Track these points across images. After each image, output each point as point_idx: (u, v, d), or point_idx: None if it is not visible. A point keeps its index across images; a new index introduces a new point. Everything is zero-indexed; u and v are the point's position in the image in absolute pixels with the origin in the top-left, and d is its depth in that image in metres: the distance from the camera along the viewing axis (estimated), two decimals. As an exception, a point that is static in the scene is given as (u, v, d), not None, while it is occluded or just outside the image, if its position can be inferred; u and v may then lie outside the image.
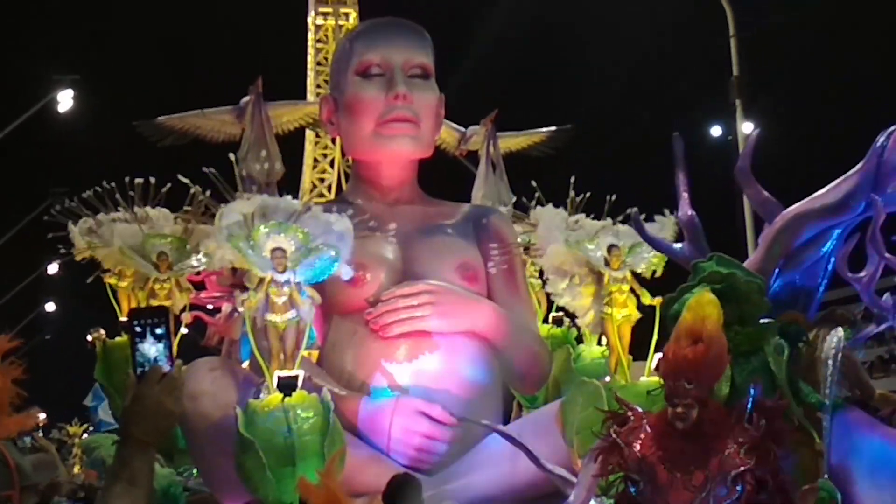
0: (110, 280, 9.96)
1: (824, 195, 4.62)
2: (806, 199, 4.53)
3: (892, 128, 4.44)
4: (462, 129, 10.72)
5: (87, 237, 9.65)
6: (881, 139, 4.45)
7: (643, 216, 7.91)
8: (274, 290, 6.83)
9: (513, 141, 10.96)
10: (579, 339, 9.78)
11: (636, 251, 7.45)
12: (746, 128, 20.90)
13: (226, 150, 9.37)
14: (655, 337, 7.39)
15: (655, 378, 7.36)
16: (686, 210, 4.67)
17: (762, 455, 3.79)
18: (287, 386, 6.72)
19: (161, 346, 5.32)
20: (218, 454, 6.90)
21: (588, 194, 9.06)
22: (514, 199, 9.98)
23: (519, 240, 9.09)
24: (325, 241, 6.99)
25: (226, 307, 11.57)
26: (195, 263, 8.77)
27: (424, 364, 7.83)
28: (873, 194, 4.29)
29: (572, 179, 9.27)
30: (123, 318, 9.90)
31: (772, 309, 4.32)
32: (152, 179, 9.16)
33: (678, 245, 4.72)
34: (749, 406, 3.83)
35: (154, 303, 8.76)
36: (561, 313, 10.04)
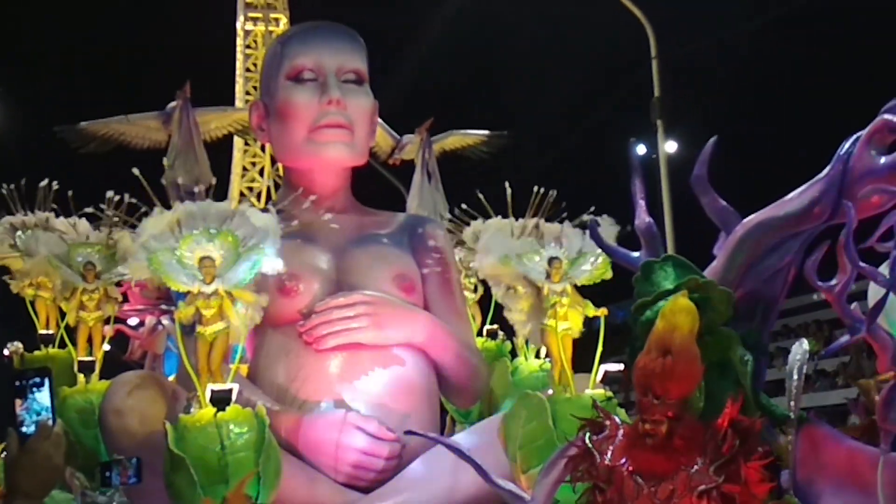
0: (28, 291, 9.51)
1: (787, 202, 4.45)
2: (768, 207, 4.36)
3: (858, 134, 4.28)
4: (397, 136, 10.45)
5: (7, 251, 9.20)
6: (846, 145, 4.29)
7: (579, 221, 7.74)
8: (202, 302, 6.45)
9: (446, 141, 10.72)
10: (513, 353, 9.57)
11: (577, 263, 7.24)
12: (669, 147, 21.08)
13: (151, 158, 9.05)
14: (600, 348, 7.18)
15: (600, 390, 7.17)
16: (644, 217, 4.48)
17: (732, 472, 3.65)
18: (220, 400, 6.36)
19: (45, 404, 5.30)
20: (145, 472, 6.49)
21: (539, 196, 8.81)
22: (450, 209, 9.73)
23: (456, 253, 8.86)
24: (254, 242, 6.64)
25: (149, 320, 11.20)
26: (124, 272, 8.37)
27: (360, 377, 7.53)
28: (845, 201, 4.11)
29: (507, 185, 9.03)
30: (42, 331, 9.47)
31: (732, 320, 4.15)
32: (70, 192, 8.74)
33: (635, 253, 4.51)
34: (725, 423, 3.68)
35: (83, 315, 8.31)
36: (496, 326, 9.81)
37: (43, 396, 5.32)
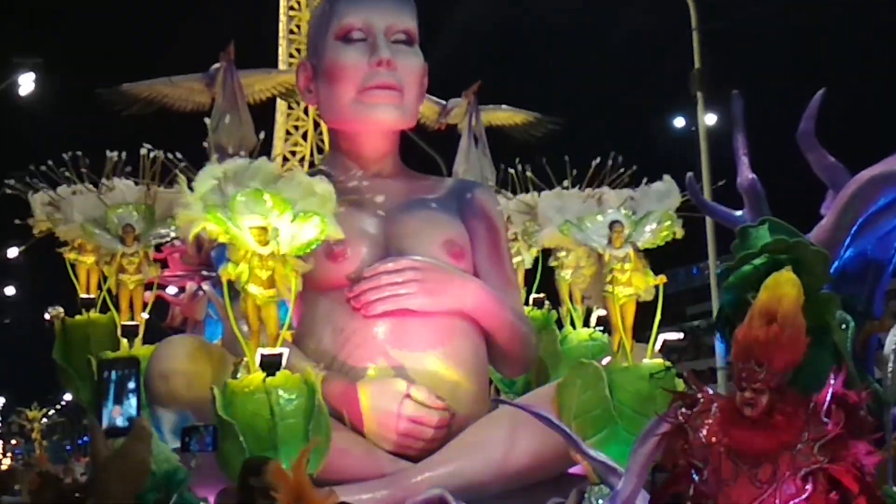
0: (69, 255, 9.35)
1: None
2: (881, 162, 4.01)
3: None
4: (441, 101, 10.16)
5: (46, 212, 9.04)
6: None
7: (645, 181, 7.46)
8: (257, 263, 6.24)
9: (494, 115, 10.44)
10: (558, 322, 9.32)
11: (641, 225, 6.94)
12: (709, 119, 20.47)
13: (194, 123, 8.82)
14: (658, 317, 6.90)
15: (659, 360, 6.89)
16: (747, 174, 4.12)
17: (838, 452, 3.37)
18: (270, 364, 6.15)
19: (133, 399, 5.16)
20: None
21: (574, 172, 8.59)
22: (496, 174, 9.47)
23: (513, 221, 8.63)
24: (304, 206, 6.42)
25: (190, 287, 11.01)
26: (164, 233, 8.16)
27: (410, 344, 7.28)
28: None
29: (567, 159, 8.79)
30: (84, 295, 9.30)
31: (836, 282, 3.84)
32: (110, 153, 8.56)
33: (738, 212, 4.17)
34: (828, 397, 3.39)
35: (124, 277, 8.11)
36: (542, 294, 9.55)
37: (132, 389, 5.15)
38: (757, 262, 3.74)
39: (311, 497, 4.47)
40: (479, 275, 7.86)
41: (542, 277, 9.62)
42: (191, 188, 6.35)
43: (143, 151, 8.27)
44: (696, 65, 21.23)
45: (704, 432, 3.46)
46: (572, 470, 7.25)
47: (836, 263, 3.97)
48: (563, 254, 8.58)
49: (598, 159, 8.16)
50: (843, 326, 3.78)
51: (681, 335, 6.96)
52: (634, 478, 3.65)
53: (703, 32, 21.00)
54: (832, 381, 3.43)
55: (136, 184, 8.42)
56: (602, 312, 8.17)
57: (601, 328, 8.44)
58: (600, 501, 6.76)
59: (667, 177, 7.22)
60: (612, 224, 6.98)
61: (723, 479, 3.37)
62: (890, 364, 3.96)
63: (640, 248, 6.91)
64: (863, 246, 3.96)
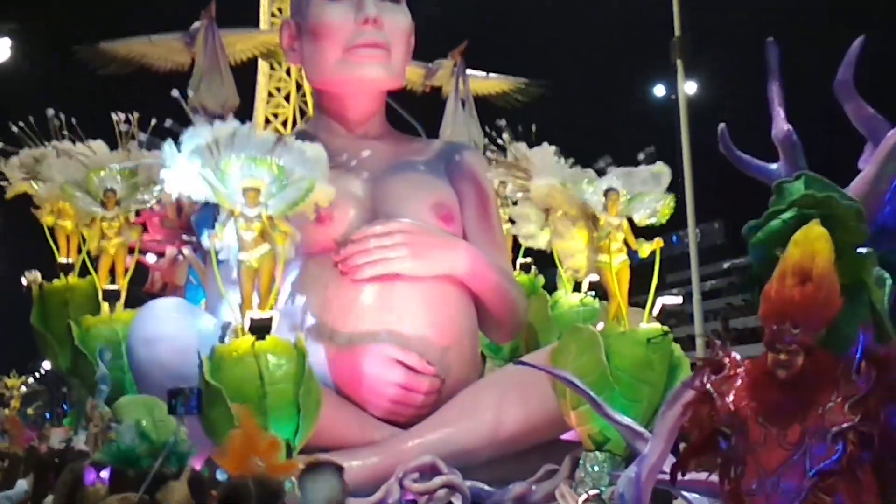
0: (48, 219, 9.07)
1: None
2: None
3: None
4: (427, 64, 9.89)
5: (24, 174, 8.76)
6: None
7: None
8: (243, 224, 6.03)
9: (481, 84, 10.18)
10: (546, 287, 9.14)
11: (640, 199, 6.77)
12: (689, 87, 20.29)
13: (172, 84, 8.54)
14: (655, 281, 6.72)
15: (656, 325, 6.73)
16: (782, 126, 3.85)
17: (869, 410, 3.18)
18: (261, 328, 5.94)
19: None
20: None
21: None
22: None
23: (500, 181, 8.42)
24: (300, 173, 6.23)
25: (170, 251, 10.73)
26: (146, 198, 7.90)
27: (398, 309, 7.06)
28: None
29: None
30: (62, 260, 9.03)
31: (874, 237, 3.60)
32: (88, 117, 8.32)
33: (773, 165, 3.92)
34: (858, 354, 3.20)
35: (104, 242, 7.86)
36: (529, 259, 9.36)
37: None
38: (786, 216, 3.52)
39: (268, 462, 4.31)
40: (468, 238, 7.67)
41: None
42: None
43: (115, 118, 8.05)
44: (677, 33, 21.05)
45: (731, 397, 3.28)
46: (565, 436, 7.12)
47: (875, 217, 3.72)
48: (558, 214, 8.39)
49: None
50: (884, 279, 3.54)
51: (680, 299, 6.78)
52: (662, 442, 3.47)
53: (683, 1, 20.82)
54: (863, 338, 3.24)
55: (113, 149, 8.19)
56: (593, 278, 8.00)
57: (592, 293, 8.26)
58: (595, 468, 6.64)
59: (661, 162, 7.11)
60: (608, 191, 6.80)
61: (751, 443, 3.19)
62: None
63: (636, 222, 6.76)
64: None
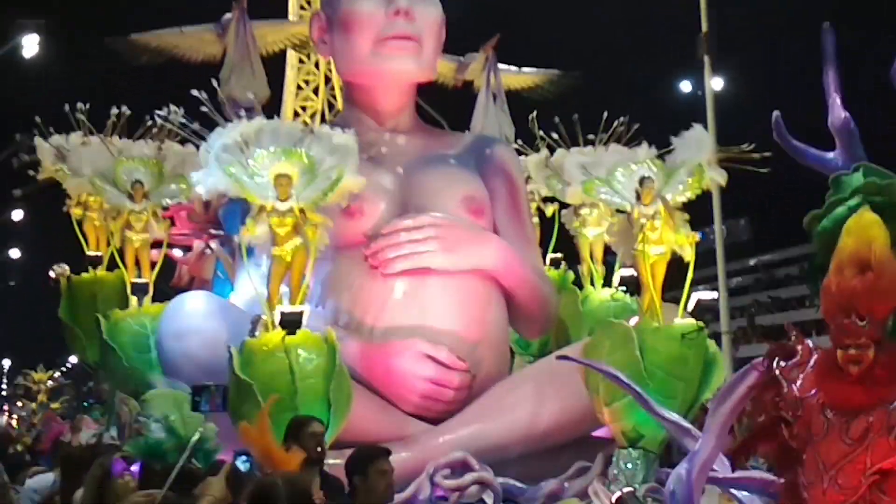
0: (76, 212, 9.01)
1: None
2: None
3: None
4: (458, 58, 9.78)
5: (55, 164, 8.70)
6: None
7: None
8: (276, 219, 5.94)
9: (513, 78, 10.06)
10: (578, 283, 9.01)
11: (672, 178, 6.60)
12: (715, 84, 20.09)
13: (204, 76, 8.47)
14: (690, 276, 6.58)
15: (690, 321, 6.59)
16: (839, 113, 3.68)
17: None
18: (291, 322, 5.85)
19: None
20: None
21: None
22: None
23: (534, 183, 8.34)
24: (330, 163, 6.13)
25: (197, 245, 10.67)
26: (174, 190, 7.82)
27: (429, 303, 6.96)
28: None
29: (575, 117, 8.46)
30: (90, 252, 8.98)
31: None
32: (118, 109, 8.26)
33: (830, 154, 3.76)
34: None
35: (130, 235, 7.77)
36: (559, 255, 9.24)
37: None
38: (851, 203, 3.37)
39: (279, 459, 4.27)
40: (499, 232, 7.57)
41: (559, 237, 9.31)
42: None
43: (157, 113, 7.98)
44: (703, 28, 20.86)
45: (798, 385, 3.15)
46: (597, 433, 7.00)
47: None
48: (586, 210, 8.25)
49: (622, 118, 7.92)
50: None
51: (715, 294, 6.63)
52: (714, 438, 3.34)
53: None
54: None
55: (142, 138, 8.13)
56: (624, 272, 7.87)
57: (623, 288, 8.13)
58: (629, 465, 6.52)
59: (698, 126, 6.91)
60: (643, 180, 6.64)
61: (812, 434, 3.06)
62: None
63: (669, 202, 6.57)
64: None
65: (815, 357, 3.20)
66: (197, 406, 5.54)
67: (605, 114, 8.22)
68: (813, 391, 3.13)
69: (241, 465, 4.43)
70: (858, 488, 2.96)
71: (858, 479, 2.97)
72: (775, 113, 3.76)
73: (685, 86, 22.57)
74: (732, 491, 3.57)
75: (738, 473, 3.30)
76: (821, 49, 3.79)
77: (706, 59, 20.41)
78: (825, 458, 3.03)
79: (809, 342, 3.29)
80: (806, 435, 3.09)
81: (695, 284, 7.03)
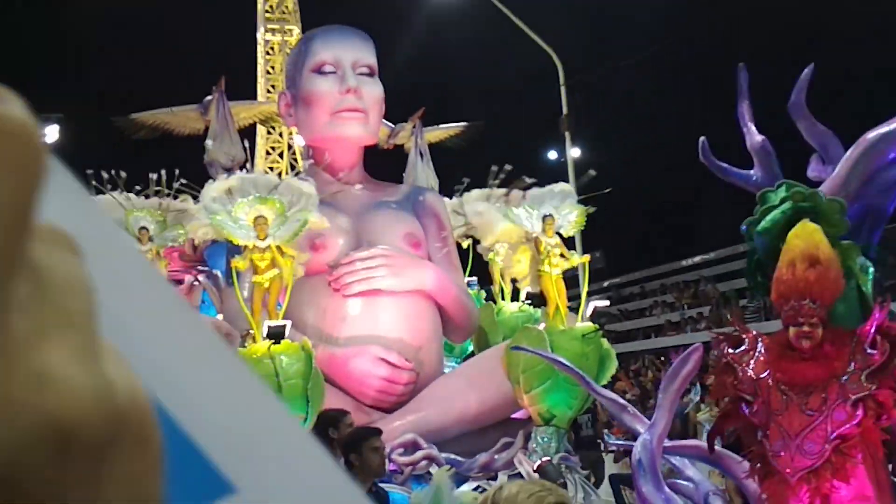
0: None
1: None
2: (889, 121, 3.36)
3: None
4: (391, 125, 9.48)
5: None
6: None
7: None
8: (256, 255, 5.55)
9: (432, 134, 9.78)
10: (489, 299, 8.74)
11: (562, 212, 6.42)
12: (574, 152, 20.27)
13: (190, 148, 8.05)
14: (585, 288, 6.36)
15: (589, 324, 6.35)
16: (756, 137, 3.47)
17: (885, 380, 2.82)
18: (276, 334, 5.45)
19: None
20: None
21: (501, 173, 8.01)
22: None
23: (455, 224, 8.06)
24: (298, 207, 5.78)
25: (187, 279, 10.15)
26: (173, 236, 7.34)
27: (381, 317, 6.66)
28: None
29: (494, 168, 8.22)
30: None
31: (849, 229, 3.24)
32: (124, 174, 7.75)
33: (749, 171, 3.53)
34: (872, 329, 2.84)
35: None
36: (475, 277, 8.95)
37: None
38: (783, 207, 3.16)
39: None
40: (432, 260, 7.28)
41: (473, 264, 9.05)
42: (196, 201, 5.71)
43: (152, 176, 7.54)
44: (564, 111, 21.02)
45: (752, 368, 2.90)
46: (516, 415, 6.71)
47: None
48: (498, 245, 8.03)
49: (505, 167, 7.77)
50: (866, 267, 3.17)
51: (607, 302, 6.41)
52: (666, 413, 3.08)
53: (569, 86, 20.82)
54: (877, 315, 2.87)
55: (147, 196, 7.64)
56: (530, 290, 7.62)
57: (529, 301, 7.88)
58: (544, 439, 6.23)
59: (562, 182, 6.86)
60: (545, 217, 6.43)
61: (773, 409, 2.81)
62: None
63: (563, 234, 6.38)
64: (867, 199, 3.33)
65: (760, 343, 2.95)
66: None
67: (496, 168, 8.05)
68: (766, 372, 2.89)
69: None
70: (823, 453, 2.71)
71: (821, 444, 2.73)
72: (702, 139, 3.54)
73: (552, 154, 22.91)
74: (667, 457, 3.30)
75: (675, 442, 3.02)
76: (747, 79, 3.54)
77: (567, 134, 20.65)
78: (788, 429, 2.78)
79: (752, 331, 3.04)
80: (766, 411, 2.84)
81: (569, 299, 6.85)
